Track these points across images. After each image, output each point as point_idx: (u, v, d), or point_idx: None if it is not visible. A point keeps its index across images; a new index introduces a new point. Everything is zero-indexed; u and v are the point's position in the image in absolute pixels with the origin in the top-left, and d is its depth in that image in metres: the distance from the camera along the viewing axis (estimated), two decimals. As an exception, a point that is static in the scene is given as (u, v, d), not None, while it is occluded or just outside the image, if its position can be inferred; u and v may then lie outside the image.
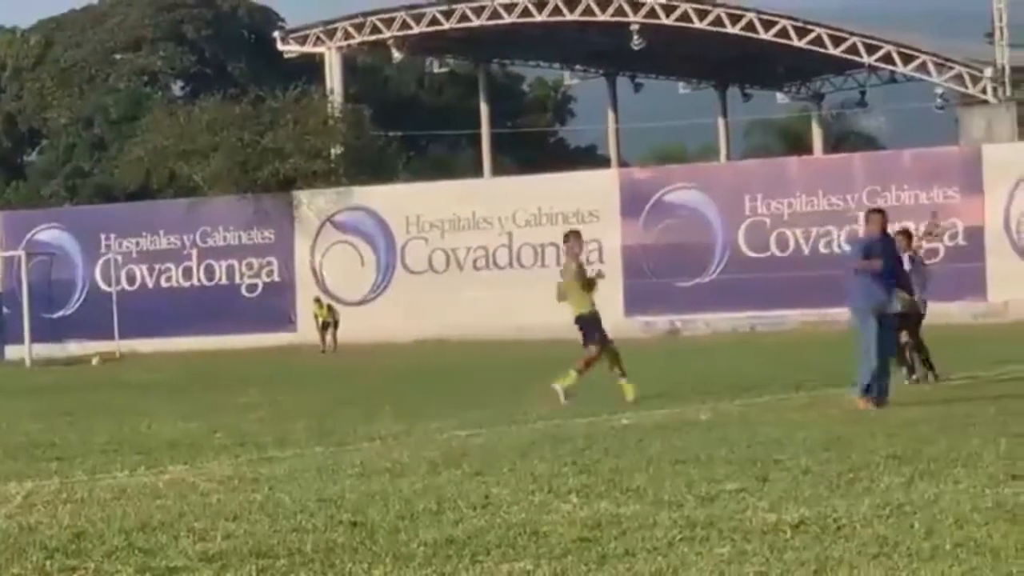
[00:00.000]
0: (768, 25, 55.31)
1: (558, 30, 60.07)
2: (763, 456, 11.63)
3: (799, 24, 55.41)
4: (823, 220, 48.25)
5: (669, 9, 55.90)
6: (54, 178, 75.33)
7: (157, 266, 54.60)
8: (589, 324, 20.03)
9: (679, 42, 59.14)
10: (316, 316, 49.39)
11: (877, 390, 16.69)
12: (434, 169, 67.51)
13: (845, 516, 8.56)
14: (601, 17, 56.65)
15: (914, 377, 21.62)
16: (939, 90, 56.24)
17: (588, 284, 20.10)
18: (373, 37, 60.07)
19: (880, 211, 18.82)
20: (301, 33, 61.84)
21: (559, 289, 20.42)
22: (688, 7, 55.70)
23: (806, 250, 48.37)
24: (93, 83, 78.42)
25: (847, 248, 18.42)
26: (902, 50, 55.09)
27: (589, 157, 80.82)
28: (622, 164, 68.78)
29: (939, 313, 44.11)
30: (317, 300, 50.09)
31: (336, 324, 48.71)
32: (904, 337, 22.03)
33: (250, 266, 53.78)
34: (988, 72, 52.75)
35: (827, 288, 47.67)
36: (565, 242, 20.69)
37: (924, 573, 7.05)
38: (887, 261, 17.67)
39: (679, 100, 71.05)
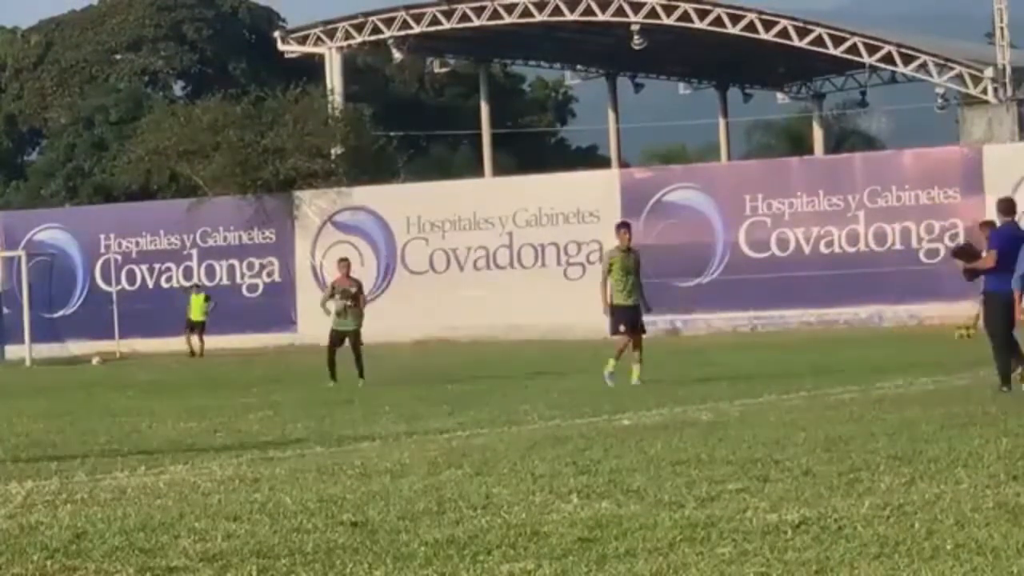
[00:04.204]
0: (769, 25, 55.24)
1: (558, 30, 60.04)
2: (763, 456, 11.61)
3: (800, 24, 55.34)
4: (824, 220, 48.24)
5: (669, 9, 55.82)
6: (54, 178, 75.28)
7: (157, 266, 54.55)
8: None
9: (680, 42, 59.09)
10: (193, 311, 47.54)
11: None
12: (434, 169, 67.48)
13: (846, 516, 8.55)
14: (601, 17, 56.58)
15: None
16: (940, 90, 56.17)
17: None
18: (373, 37, 60.01)
19: (1007, 200, 17.16)
20: (301, 33, 61.79)
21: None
22: (689, 7, 55.63)
23: (807, 250, 48.36)
24: (93, 83, 78.41)
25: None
26: (903, 50, 55.02)
27: (589, 157, 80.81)
28: (622, 164, 68.76)
29: (941, 314, 44.38)
30: (208, 296, 48.50)
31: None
32: None
33: (251, 266, 53.74)
34: (989, 72, 52.69)
35: (827, 288, 47.88)
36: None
37: (925, 573, 7.04)
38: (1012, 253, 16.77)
39: (679, 100, 71.01)
